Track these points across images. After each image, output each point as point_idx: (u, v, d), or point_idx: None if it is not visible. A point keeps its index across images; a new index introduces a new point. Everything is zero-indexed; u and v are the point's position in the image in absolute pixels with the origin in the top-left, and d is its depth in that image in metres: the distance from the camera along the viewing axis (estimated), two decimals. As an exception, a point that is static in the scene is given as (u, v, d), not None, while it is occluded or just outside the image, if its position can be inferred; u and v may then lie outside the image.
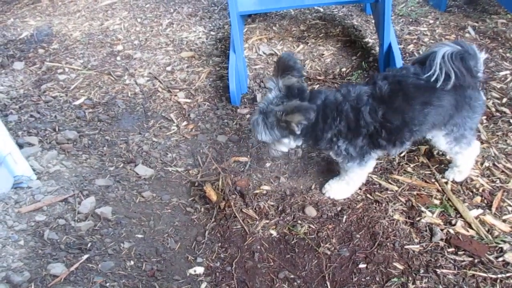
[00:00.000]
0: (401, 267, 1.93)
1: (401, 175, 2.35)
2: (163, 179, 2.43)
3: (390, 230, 2.08)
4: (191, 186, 2.38)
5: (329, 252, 2.03)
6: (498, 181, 2.27)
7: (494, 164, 2.35)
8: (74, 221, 2.03)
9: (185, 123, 2.88)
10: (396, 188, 2.28)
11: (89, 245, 1.95)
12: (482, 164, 2.35)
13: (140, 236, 2.08)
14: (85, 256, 1.89)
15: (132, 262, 1.93)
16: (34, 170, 2.23)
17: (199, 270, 1.95)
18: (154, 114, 2.97)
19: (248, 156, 2.56)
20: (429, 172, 2.35)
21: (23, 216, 1.98)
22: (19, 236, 1.89)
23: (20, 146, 2.40)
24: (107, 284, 1.80)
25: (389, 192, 2.27)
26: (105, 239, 2.00)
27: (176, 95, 3.14)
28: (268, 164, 2.51)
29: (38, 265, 1.80)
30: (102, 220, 2.09)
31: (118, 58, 3.55)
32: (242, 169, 2.47)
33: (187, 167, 2.52)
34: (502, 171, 2.31)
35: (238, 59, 2.99)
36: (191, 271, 1.94)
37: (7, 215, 1.94)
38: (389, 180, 2.33)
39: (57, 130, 2.70)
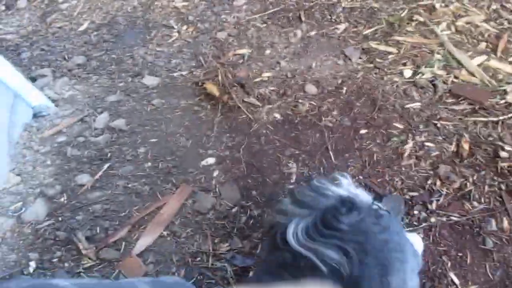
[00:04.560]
0: (401, 126, 1.96)
1: (401, 36, 2.27)
2: (169, 85, 2.52)
3: (390, 93, 2.08)
4: (196, 86, 2.46)
5: (331, 125, 2.08)
6: (505, 23, 2.13)
7: (502, 5, 2.19)
8: (92, 136, 2.21)
9: (185, 27, 2.88)
10: (396, 51, 2.22)
11: (108, 155, 2.14)
12: (488, 7, 2.19)
13: (154, 140, 2.23)
14: (107, 165, 2.08)
15: (149, 164, 2.11)
16: (50, 98, 2.39)
17: (211, 160, 2.10)
18: (155, 24, 2.98)
19: (247, 47, 2.56)
20: (430, 28, 2.25)
21: (46, 140, 2.19)
22: (45, 157, 2.10)
23: (34, 79, 2.56)
24: (129, 185, 2.01)
25: (389, 56, 2.22)
26: (122, 148, 2.18)
27: (173, 1, 3.10)
28: (268, 51, 2.51)
29: (66, 178, 2.03)
30: (118, 132, 2.25)
31: (113, -25, 3.50)
32: (241, 61, 2.49)
33: (190, 70, 2.58)
34: (511, 11, 2.16)
35: None
36: (203, 162, 2.09)
37: (32, 141, 2.16)
38: (389, 43, 2.26)
39: (66, 58, 2.82)
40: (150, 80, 2.55)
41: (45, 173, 2.04)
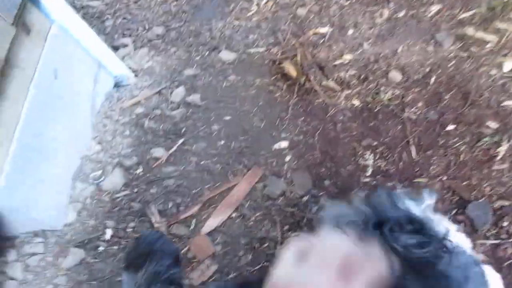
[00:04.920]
0: (495, 126, 1.79)
1: (504, 23, 2.04)
2: (246, 61, 2.48)
3: (485, 87, 1.90)
4: (272, 65, 2.40)
5: (414, 117, 1.95)
6: None
7: None
8: (168, 110, 2.24)
9: (264, 1, 2.80)
10: (496, 40, 2.01)
11: (183, 130, 2.16)
12: None
13: (228, 118, 2.22)
14: (181, 140, 2.11)
15: (222, 142, 2.11)
16: (130, 68, 2.45)
17: (284, 144, 2.06)
18: (234, -3, 2.93)
19: (329, 26, 2.44)
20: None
21: (126, 110, 2.25)
22: (124, 128, 2.17)
23: (116, 48, 2.62)
24: (202, 162, 2.02)
25: (487, 45, 2.02)
26: (197, 124, 2.19)
27: (254, -28, 3.02)
28: (350, 32, 2.38)
29: (142, 150, 2.08)
30: (193, 107, 2.26)
31: None
32: (322, 40, 2.38)
33: (268, 47, 2.51)
34: None
35: None
36: (276, 145, 2.06)
37: (112, 111, 2.22)
38: (488, 30, 2.05)
39: (147, 28, 2.85)
40: (226, 55, 2.53)
41: (123, 143, 2.11)
